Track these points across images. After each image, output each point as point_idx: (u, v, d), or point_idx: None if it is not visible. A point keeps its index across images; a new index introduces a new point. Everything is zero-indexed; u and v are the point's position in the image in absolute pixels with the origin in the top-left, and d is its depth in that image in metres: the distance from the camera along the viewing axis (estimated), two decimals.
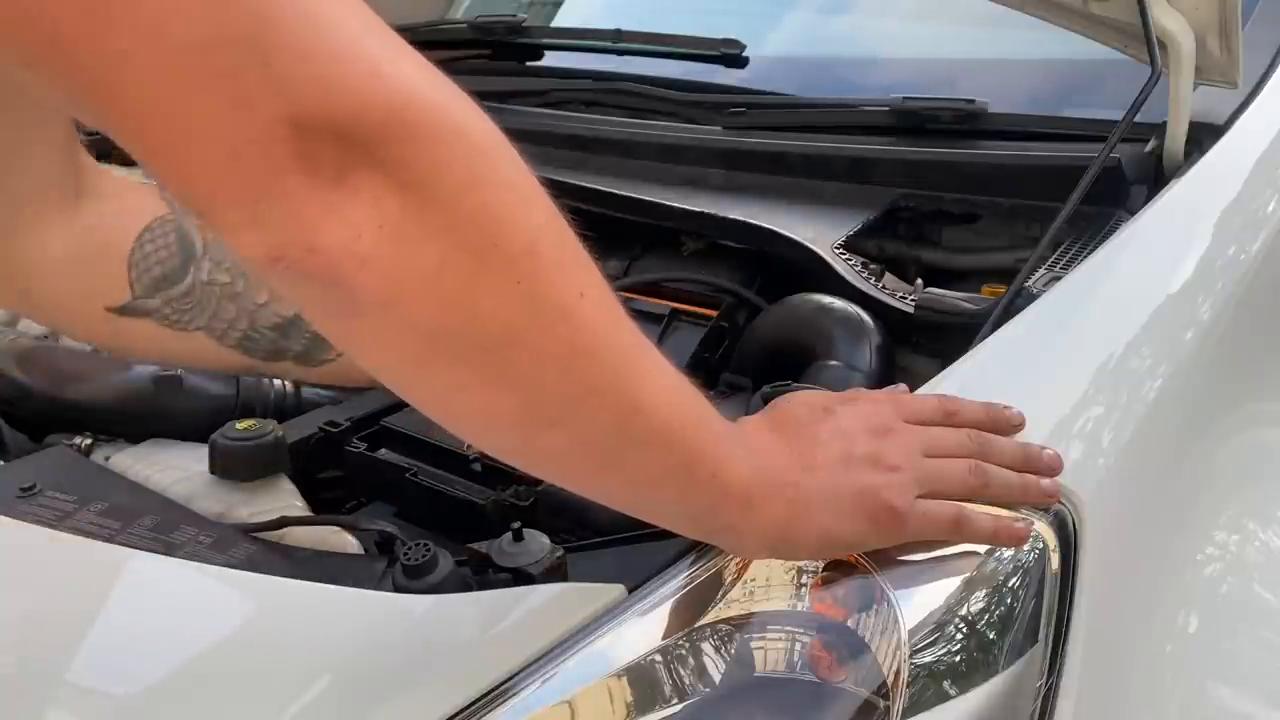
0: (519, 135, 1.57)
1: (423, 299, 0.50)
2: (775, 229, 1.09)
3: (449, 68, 1.61)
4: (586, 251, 0.56)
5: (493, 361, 0.53)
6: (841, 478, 0.66)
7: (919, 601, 0.66)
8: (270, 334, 0.94)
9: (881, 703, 0.63)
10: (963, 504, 0.68)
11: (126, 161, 1.58)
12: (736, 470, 0.62)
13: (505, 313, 0.52)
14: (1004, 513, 0.69)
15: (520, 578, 0.73)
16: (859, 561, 0.67)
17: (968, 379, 0.80)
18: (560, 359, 0.54)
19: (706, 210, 1.15)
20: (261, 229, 0.47)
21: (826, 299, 1.03)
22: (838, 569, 0.67)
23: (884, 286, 1.04)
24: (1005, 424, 0.74)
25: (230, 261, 0.90)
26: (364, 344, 0.54)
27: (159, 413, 1.04)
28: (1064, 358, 0.83)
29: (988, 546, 0.69)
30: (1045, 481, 0.71)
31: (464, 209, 0.50)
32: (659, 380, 0.59)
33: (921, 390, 0.80)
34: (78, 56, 0.44)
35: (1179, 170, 1.01)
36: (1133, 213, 0.99)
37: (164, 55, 0.43)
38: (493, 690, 0.63)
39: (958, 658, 0.65)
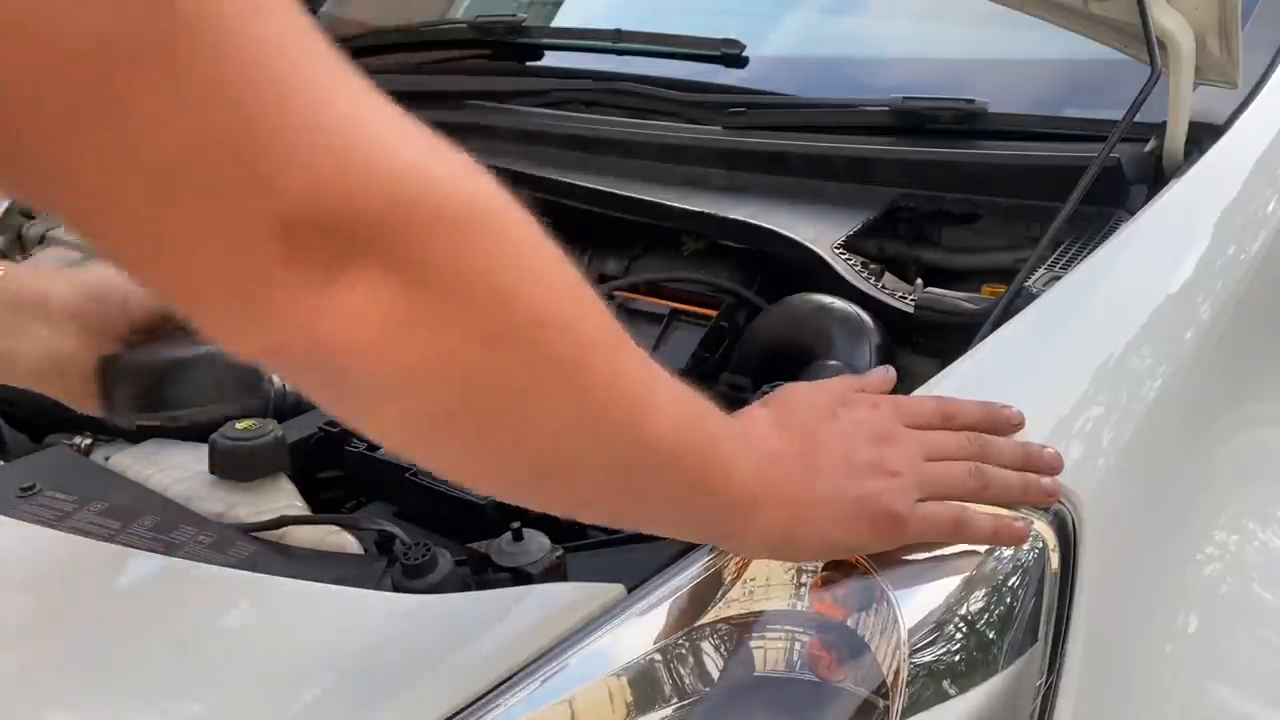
0: (519, 135, 1.57)
1: (425, 382, 0.49)
2: (775, 229, 1.09)
3: (449, 68, 1.61)
4: (596, 298, 0.55)
5: (503, 430, 0.53)
6: (844, 482, 0.66)
7: (919, 601, 0.66)
8: None
9: (881, 702, 0.63)
10: (963, 505, 0.68)
11: None
12: (742, 473, 0.62)
13: (514, 386, 0.51)
14: (1004, 512, 0.70)
15: (520, 577, 0.73)
16: (859, 561, 0.67)
17: (968, 379, 0.80)
18: (569, 420, 0.54)
19: (706, 210, 1.15)
20: (254, 332, 0.45)
21: (826, 299, 1.03)
22: (838, 569, 0.67)
23: (884, 286, 1.04)
24: (1004, 424, 0.73)
25: None
26: (366, 422, 0.53)
27: None
28: (1064, 358, 0.83)
29: (987, 546, 0.69)
30: (1045, 480, 0.71)
31: (469, 292, 0.48)
32: (666, 410, 0.58)
33: (921, 390, 0.80)
34: (45, 170, 0.41)
35: (1179, 170, 1.01)
36: (1133, 213, 0.98)
37: (140, 168, 0.40)
38: (493, 690, 0.63)
39: (957, 657, 0.65)
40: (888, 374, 0.78)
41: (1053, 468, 0.72)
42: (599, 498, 0.60)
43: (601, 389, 0.55)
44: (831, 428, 0.68)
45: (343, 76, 0.46)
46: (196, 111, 0.41)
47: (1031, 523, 0.70)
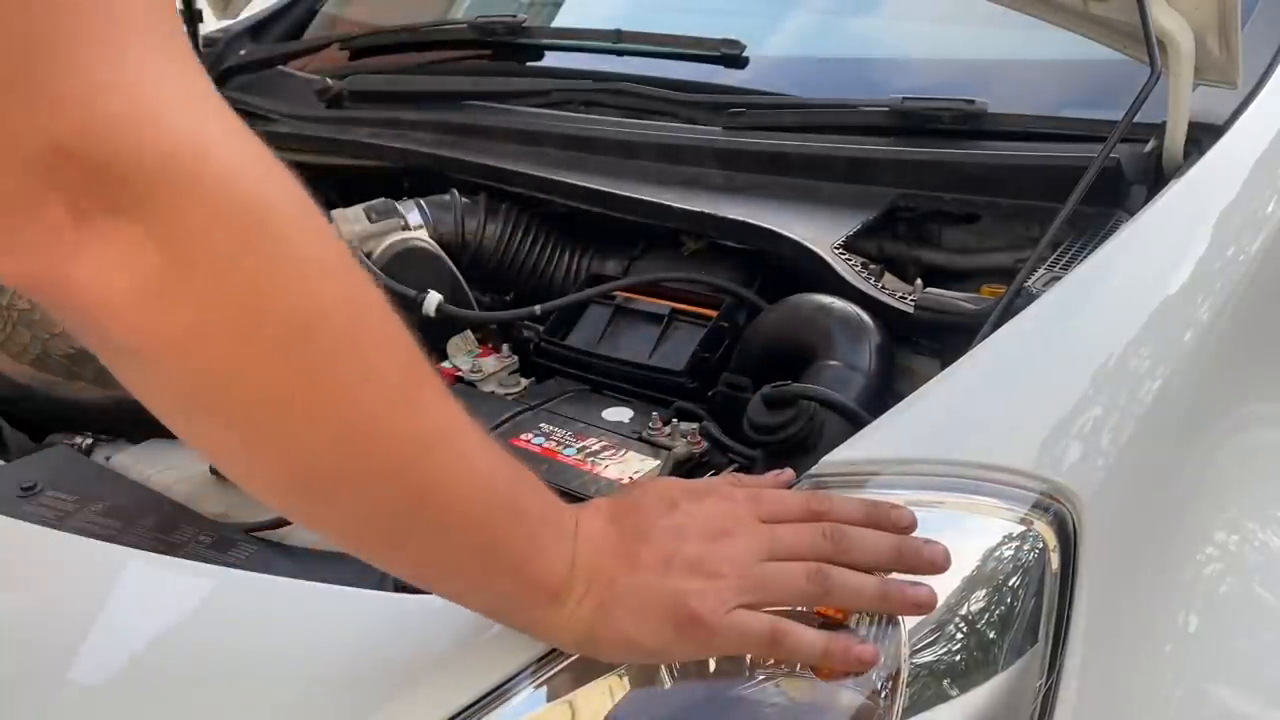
0: (519, 135, 1.57)
1: (174, 355, 0.47)
2: (775, 229, 1.09)
3: (449, 68, 1.61)
4: (401, 330, 0.53)
5: (254, 427, 0.51)
6: (656, 581, 0.60)
7: None
8: (62, 361, 0.97)
9: (881, 702, 0.63)
10: (779, 620, 0.61)
11: None
12: (550, 563, 0.59)
13: (266, 383, 0.49)
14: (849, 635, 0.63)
15: None
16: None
17: (968, 379, 0.80)
18: (334, 438, 0.52)
19: (706, 210, 1.15)
20: (16, 254, 0.45)
21: (826, 299, 1.03)
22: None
23: (884, 286, 1.04)
24: (886, 523, 0.66)
25: None
26: (125, 380, 0.52)
27: None
28: (1064, 358, 0.83)
29: (986, 546, 0.69)
30: (913, 590, 0.63)
31: (230, 277, 0.47)
32: (460, 469, 0.56)
33: (920, 390, 0.80)
34: None
35: (1178, 170, 1.01)
36: (1132, 213, 0.99)
37: None
38: (493, 690, 0.63)
39: (958, 657, 0.65)
40: (781, 475, 0.72)
41: (934, 566, 0.64)
42: (373, 536, 0.57)
43: (377, 421, 0.52)
44: (667, 521, 0.63)
45: (165, 28, 0.45)
46: None
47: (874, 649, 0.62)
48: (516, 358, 1.17)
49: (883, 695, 0.63)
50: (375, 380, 0.52)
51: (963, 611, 0.66)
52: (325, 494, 0.54)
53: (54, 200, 0.44)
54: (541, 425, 1.01)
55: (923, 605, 0.63)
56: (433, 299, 1.17)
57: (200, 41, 1.76)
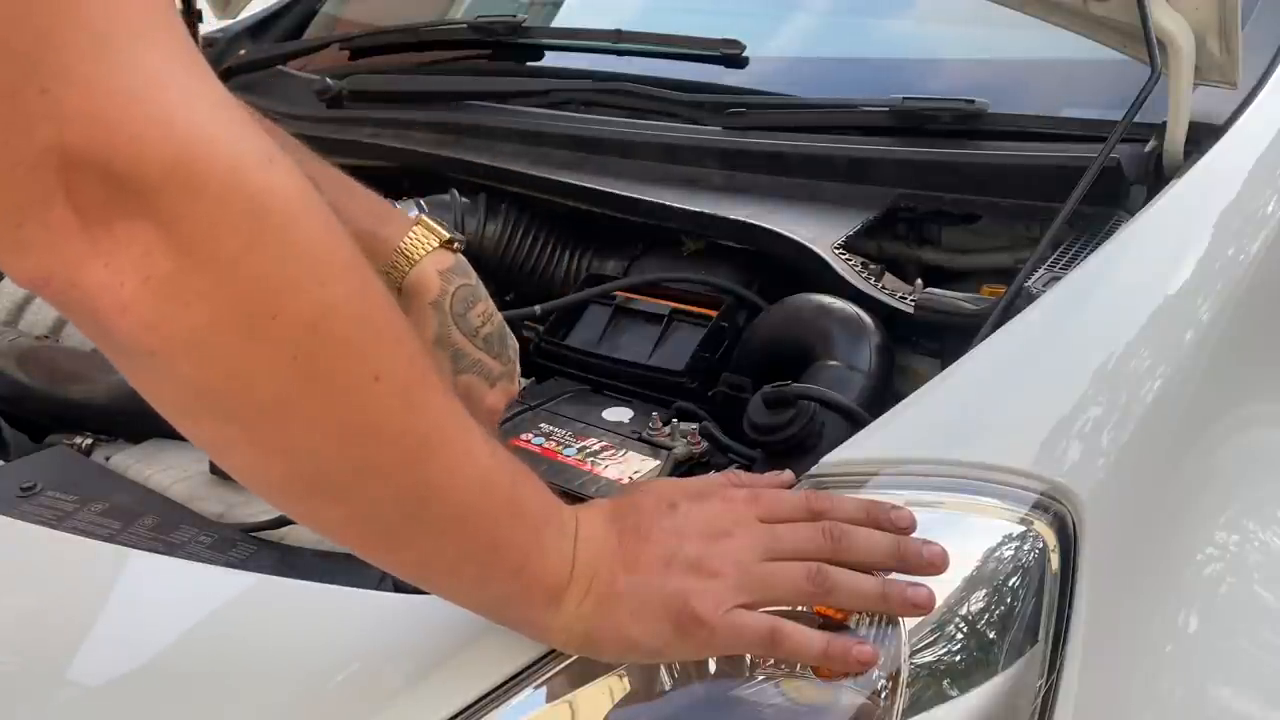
0: (519, 135, 1.57)
1: (185, 355, 0.48)
2: (775, 229, 1.09)
3: (449, 68, 1.61)
4: (406, 326, 0.54)
5: (261, 426, 0.51)
6: (656, 581, 0.61)
7: None
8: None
9: (881, 703, 0.63)
10: (779, 620, 0.61)
11: None
12: (549, 564, 0.60)
13: (276, 383, 0.50)
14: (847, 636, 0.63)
15: None
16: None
17: (968, 379, 0.80)
18: (337, 437, 0.52)
19: (706, 210, 1.15)
20: (24, 254, 0.45)
21: (826, 299, 1.03)
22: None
23: (884, 286, 1.04)
24: (887, 523, 0.66)
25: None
26: (133, 380, 0.52)
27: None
28: (1064, 358, 0.83)
29: (986, 546, 0.69)
30: (911, 591, 0.63)
31: (240, 274, 0.47)
32: (463, 468, 0.56)
33: (920, 390, 0.80)
34: None
35: (1179, 170, 1.01)
36: (1132, 213, 0.99)
37: None
38: (493, 690, 0.63)
39: (958, 657, 0.65)
40: (781, 477, 0.72)
41: (933, 567, 0.64)
42: (370, 538, 0.58)
43: (381, 419, 0.53)
44: (666, 522, 0.63)
45: (164, 25, 0.46)
46: (2, 21, 0.42)
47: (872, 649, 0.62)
48: None
49: (883, 695, 0.63)
50: (383, 378, 0.52)
51: (963, 611, 0.66)
52: (330, 494, 0.54)
53: (62, 203, 0.44)
54: (541, 425, 1.01)
55: (922, 606, 0.63)
56: None
57: (200, 41, 1.76)
